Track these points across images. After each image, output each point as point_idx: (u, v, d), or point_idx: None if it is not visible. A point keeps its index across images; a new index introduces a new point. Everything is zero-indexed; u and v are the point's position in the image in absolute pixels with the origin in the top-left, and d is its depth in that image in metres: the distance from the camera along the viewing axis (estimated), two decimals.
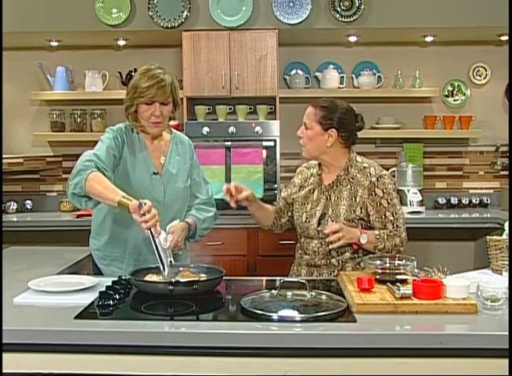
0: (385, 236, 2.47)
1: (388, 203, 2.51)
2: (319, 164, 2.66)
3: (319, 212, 2.56)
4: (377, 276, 2.12)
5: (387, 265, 2.19)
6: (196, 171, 2.66)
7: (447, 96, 4.60)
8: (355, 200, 2.52)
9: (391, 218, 2.51)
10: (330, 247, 2.44)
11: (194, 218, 2.55)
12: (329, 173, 2.61)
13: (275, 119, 4.12)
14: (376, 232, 2.48)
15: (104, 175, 2.24)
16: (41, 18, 4.02)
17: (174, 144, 2.62)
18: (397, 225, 2.51)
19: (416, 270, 2.15)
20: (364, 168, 2.56)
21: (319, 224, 2.55)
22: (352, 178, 2.55)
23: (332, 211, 2.54)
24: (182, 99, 3.97)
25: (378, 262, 2.20)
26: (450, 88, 4.59)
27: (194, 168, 2.65)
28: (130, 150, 2.48)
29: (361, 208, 2.51)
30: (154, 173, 2.51)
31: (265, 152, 4.04)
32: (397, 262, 2.20)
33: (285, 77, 4.54)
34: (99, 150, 2.35)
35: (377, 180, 2.51)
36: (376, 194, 2.51)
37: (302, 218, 2.60)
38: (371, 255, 2.34)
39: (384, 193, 2.51)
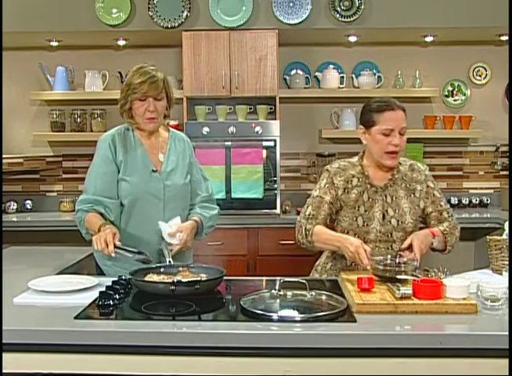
0: (449, 230, 2.48)
1: (439, 194, 2.57)
2: (361, 165, 2.52)
3: (379, 214, 2.46)
4: (379, 273, 2.13)
5: (389, 262, 2.21)
6: (195, 168, 2.67)
7: (447, 96, 4.59)
8: (415, 195, 2.52)
9: (446, 207, 2.56)
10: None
11: (200, 216, 2.58)
12: (379, 172, 2.51)
13: (275, 119, 4.11)
14: (441, 227, 2.48)
15: (97, 211, 2.42)
16: (41, 18, 4.02)
17: (173, 141, 2.63)
18: (451, 215, 2.56)
19: (416, 270, 2.15)
20: (411, 164, 2.58)
21: (380, 226, 2.46)
22: (405, 176, 2.54)
23: (394, 211, 2.47)
24: (181, 99, 4.03)
25: (379, 258, 2.21)
26: (450, 88, 4.59)
27: (193, 166, 2.66)
28: (125, 153, 2.50)
29: (422, 203, 2.53)
30: (153, 171, 2.52)
31: (264, 152, 4.04)
32: (398, 260, 2.21)
33: (285, 77, 4.53)
34: (87, 186, 2.50)
35: (427, 174, 2.57)
36: (428, 186, 2.55)
37: (358, 222, 2.46)
38: (373, 252, 2.32)
39: (434, 184, 2.57)
